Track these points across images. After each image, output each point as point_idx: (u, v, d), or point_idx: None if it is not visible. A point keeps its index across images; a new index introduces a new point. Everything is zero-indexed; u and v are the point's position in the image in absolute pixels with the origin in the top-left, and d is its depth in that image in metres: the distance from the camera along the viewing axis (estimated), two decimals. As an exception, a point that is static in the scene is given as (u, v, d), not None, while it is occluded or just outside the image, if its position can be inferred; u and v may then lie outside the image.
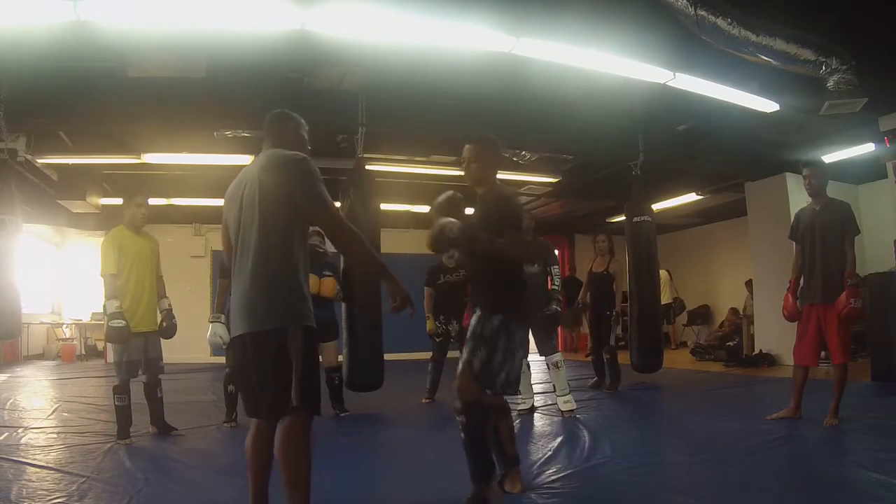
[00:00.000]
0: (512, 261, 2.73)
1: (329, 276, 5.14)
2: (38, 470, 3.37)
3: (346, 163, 5.86)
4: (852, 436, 3.88)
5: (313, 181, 2.24)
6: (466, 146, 2.87)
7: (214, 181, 8.51)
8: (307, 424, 2.17)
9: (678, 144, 7.18)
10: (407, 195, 9.17)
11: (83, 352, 11.04)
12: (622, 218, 7.21)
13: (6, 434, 4.35)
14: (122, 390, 4.09)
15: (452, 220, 2.54)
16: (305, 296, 2.24)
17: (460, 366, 2.61)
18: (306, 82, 5.49)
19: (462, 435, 2.54)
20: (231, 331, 2.29)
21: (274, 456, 2.20)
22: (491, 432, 2.68)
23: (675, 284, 11.74)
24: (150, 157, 7.08)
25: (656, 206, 8.10)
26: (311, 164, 2.29)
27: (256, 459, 2.28)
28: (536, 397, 5.40)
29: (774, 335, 7.83)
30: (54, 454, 3.77)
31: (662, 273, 9.03)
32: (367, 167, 5.88)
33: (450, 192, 2.92)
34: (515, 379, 2.68)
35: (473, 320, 2.68)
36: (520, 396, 5.06)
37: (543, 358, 5.02)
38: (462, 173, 2.91)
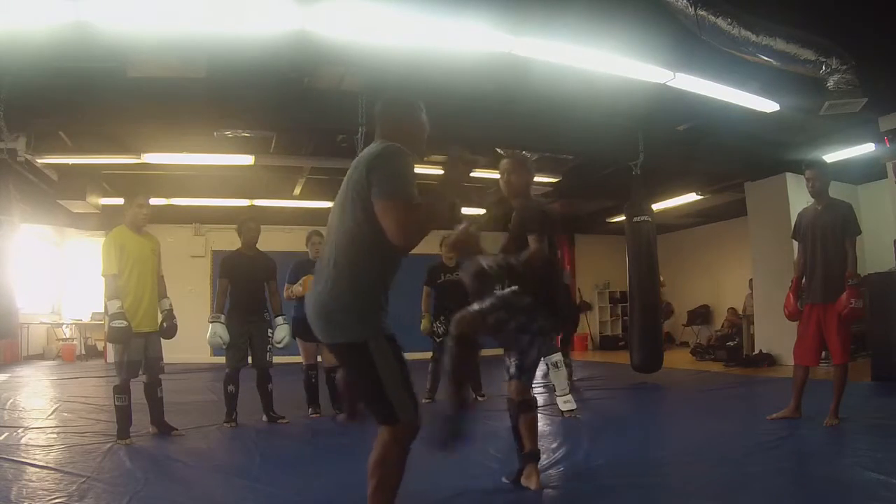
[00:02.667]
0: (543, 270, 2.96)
1: None
2: (38, 470, 3.37)
3: (346, 163, 5.81)
4: (852, 436, 3.88)
5: (386, 166, 1.97)
6: (504, 161, 3.15)
7: (214, 181, 8.54)
8: (407, 437, 2.07)
9: (678, 144, 7.18)
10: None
11: (83, 352, 11.04)
12: (622, 218, 7.21)
13: (6, 434, 4.35)
14: (122, 390, 4.09)
15: (486, 257, 2.79)
16: (383, 307, 2.08)
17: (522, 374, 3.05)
18: (306, 82, 5.48)
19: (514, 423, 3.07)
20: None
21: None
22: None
23: (664, 287, 11.61)
24: (150, 157, 7.08)
25: (656, 206, 8.10)
26: (397, 151, 2.02)
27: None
28: (536, 397, 5.39)
29: (774, 335, 7.83)
30: (54, 454, 3.77)
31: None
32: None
33: (463, 228, 2.80)
34: None
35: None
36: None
37: (542, 358, 5.02)
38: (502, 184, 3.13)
